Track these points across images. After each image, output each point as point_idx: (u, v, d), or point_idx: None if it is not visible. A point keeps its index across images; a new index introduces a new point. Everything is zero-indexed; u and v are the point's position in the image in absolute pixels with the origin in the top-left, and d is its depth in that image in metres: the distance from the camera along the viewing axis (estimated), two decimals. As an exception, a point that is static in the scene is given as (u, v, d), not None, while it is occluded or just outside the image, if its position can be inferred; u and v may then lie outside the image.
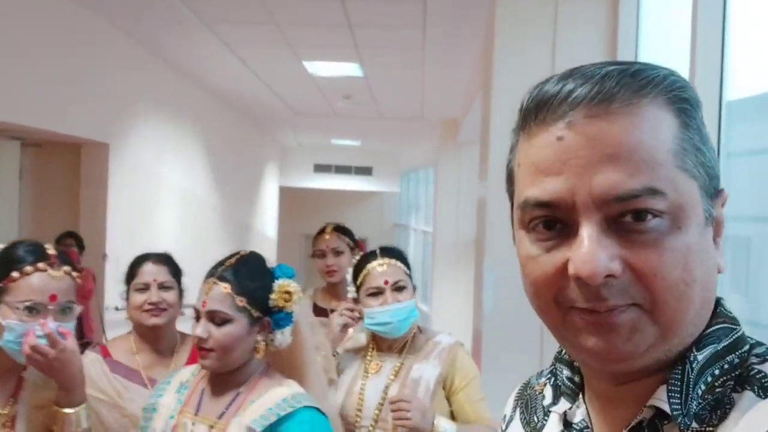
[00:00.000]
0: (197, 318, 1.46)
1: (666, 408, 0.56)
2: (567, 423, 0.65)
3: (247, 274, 1.47)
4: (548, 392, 0.68)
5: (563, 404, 0.66)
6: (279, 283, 1.48)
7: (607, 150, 0.54)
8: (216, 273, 1.46)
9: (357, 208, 13.81)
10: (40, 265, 1.45)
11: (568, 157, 0.55)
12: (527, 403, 0.74)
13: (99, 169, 4.72)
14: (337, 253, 2.67)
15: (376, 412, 1.83)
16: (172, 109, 6.00)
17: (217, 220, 7.51)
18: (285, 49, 5.01)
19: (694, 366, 0.57)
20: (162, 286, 1.91)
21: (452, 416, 1.82)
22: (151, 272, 1.92)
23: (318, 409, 1.43)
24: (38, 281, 1.44)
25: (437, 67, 5.40)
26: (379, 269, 1.88)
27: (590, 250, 0.53)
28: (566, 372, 0.66)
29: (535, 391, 0.73)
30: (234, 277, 1.45)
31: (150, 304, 1.88)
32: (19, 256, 1.46)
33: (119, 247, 4.48)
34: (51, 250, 1.50)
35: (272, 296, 1.46)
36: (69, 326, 1.49)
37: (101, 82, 4.61)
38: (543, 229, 0.57)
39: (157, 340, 1.95)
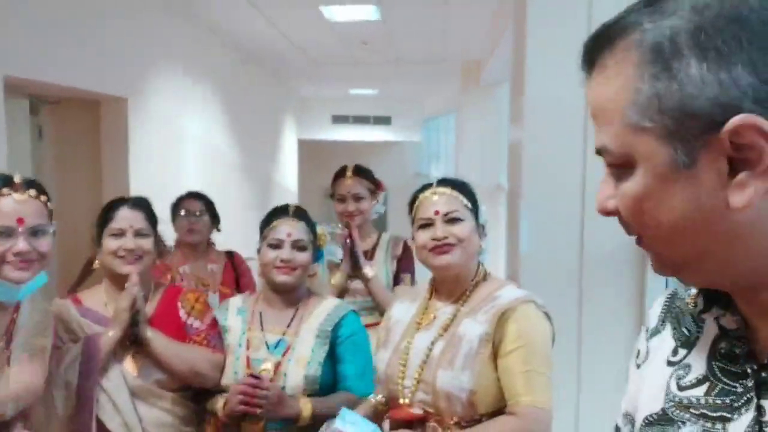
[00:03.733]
0: (281, 246, 1.88)
1: None
2: (722, 330, 0.66)
3: (308, 217, 1.98)
4: (700, 301, 0.70)
5: (716, 311, 0.68)
6: (318, 228, 1.99)
7: (591, 111, 0.63)
8: (289, 214, 1.92)
9: (377, 159, 13.63)
10: (4, 190, 1.52)
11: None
12: (678, 317, 0.74)
13: (119, 125, 4.65)
14: (358, 198, 2.65)
15: (418, 370, 1.59)
16: (189, 62, 5.88)
17: (239, 174, 7.46)
18: (301, -7, 4.84)
19: None
20: (138, 233, 1.84)
21: (499, 384, 1.53)
22: (127, 218, 1.85)
23: (354, 311, 1.97)
24: (3, 206, 1.51)
25: (460, 4, 5.20)
26: (433, 198, 1.65)
27: (599, 191, 0.64)
28: None
29: (686, 303, 0.73)
30: (305, 218, 1.94)
31: (125, 250, 1.81)
32: None
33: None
34: (17, 178, 1.56)
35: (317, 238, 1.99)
36: (41, 243, 1.54)
37: (117, 35, 4.49)
38: None
39: None
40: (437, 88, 9.62)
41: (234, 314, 1.95)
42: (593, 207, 2.17)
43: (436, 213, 1.62)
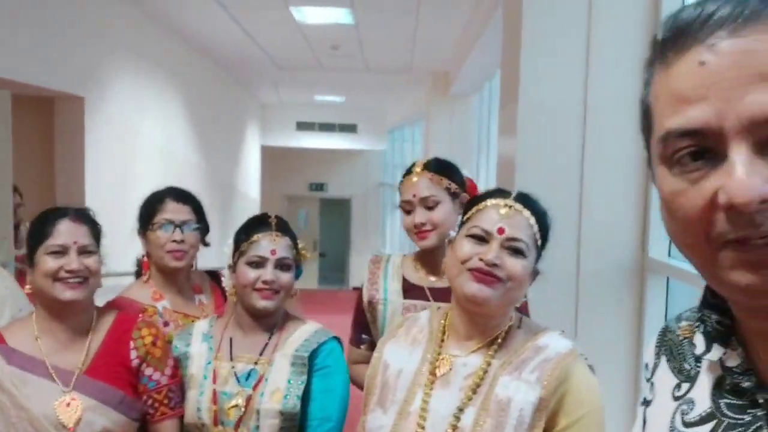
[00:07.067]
0: (263, 265, 1.64)
1: None
2: (726, 368, 0.62)
3: (291, 230, 1.73)
4: (699, 340, 0.66)
5: (717, 351, 0.63)
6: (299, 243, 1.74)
7: (757, 69, 0.51)
8: (271, 227, 1.67)
9: (341, 168, 13.51)
10: None
11: (712, 81, 0.52)
12: (671, 350, 0.72)
13: (74, 124, 4.40)
14: (429, 204, 1.78)
15: None
16: (150, 62, 5.63)
17: (199, 178, 7.21)
18: (271, -8, 4.68)
19: None
20: (83, 251, 1.53)
21: None
22: (69, 232, 1.53)
23: (338, 339, 1.71)
24: None
25: (432, 13, 5.11)
26: (501, 210, 1.23)
27: (743, 175, 0.50)
28: (715, 317, 0.64)
29: (678, 336, 0.72)
30: (288, 232, 1.70)
31: (67, 271, 1.50)
32: None
33: (98, 206, 4.14)
34: None
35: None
36: None
37: (74, 32, 4.26)
38: (689, 160, 0.54)
39: (68, 317, 1.55)
40: (404, 98, 9.54)
41: (199, 340, 1.70)
42: (590, 221, 2.02)
43: (500, 232, 1.21)
